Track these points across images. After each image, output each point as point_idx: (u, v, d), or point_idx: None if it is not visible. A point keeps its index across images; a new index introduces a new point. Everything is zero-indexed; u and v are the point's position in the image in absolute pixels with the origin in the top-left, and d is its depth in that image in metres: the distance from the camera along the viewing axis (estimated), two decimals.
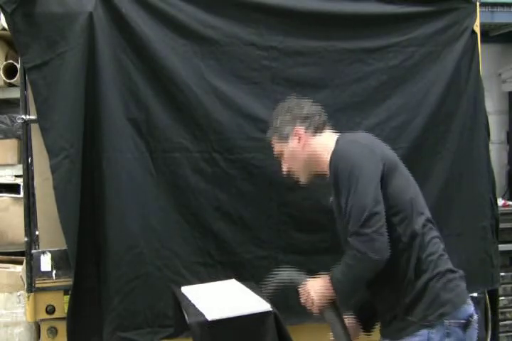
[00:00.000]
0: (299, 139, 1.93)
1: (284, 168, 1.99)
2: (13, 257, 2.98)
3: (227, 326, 1.64)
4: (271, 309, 1.69)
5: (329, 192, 1.89)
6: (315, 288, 1.81)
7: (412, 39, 2.59)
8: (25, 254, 2.36)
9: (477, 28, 2.72)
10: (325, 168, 1.88)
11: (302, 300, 1.84)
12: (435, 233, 1.85)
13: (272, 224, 2.45)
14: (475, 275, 2.75)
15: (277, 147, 1.99)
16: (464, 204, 2.72)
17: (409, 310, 1.76)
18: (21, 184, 2.72)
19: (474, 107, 2.74)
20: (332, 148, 1.85)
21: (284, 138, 1.95)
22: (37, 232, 2.33)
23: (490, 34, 4.18)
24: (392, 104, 2.55)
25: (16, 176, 3.04)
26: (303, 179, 1.99)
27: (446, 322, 1.73)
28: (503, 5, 3.80)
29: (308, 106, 1.97)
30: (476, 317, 1.80)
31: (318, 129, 1.94)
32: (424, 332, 1.72)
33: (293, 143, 1.94)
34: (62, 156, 2.20)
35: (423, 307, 1.74)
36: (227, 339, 1.68)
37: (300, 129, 1.93)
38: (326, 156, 1.86)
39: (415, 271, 1.77)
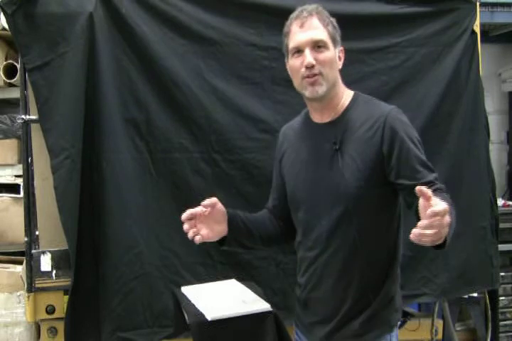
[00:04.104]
0: (339, 60, 1.72)
1: (312, 61, 1.63)
2: (13, 257, 2.98)
3: (227, 326, 1.64)
4: (271, 309, 1.69)
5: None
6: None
7: (412, 39, 2.59)
8: (25, 254, 2.36)
9: (477, 28, 2.71)
10: (330, 109, 1.72)
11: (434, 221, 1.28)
12: None
13: None
14: (475, 275, 2.76)
15: (324, 35, 1.66)
16: (464, 205, 2.71)
17: (377, 314, 1.69)
18: (21, 184, 2.72)
19: (474, 107, 2.73)
20: (344, 93, 1.73)
21: (335, 42, 1.69)
22: (37, 232, 2.33)
23: (490, 34, 4.19)
24: (392, 104, 2.53)
25: (16, 176, 3.04)
26: (323, 88, 1.66)
27: (397, 324, 1.76)
28: (503, 5, 3.80)
29: None
30: None
31: None
32: (387, 335, 1.71)
33: (336, 56, 1.70)
34: (64, 156, 2.20)
35: (389, 311, 1.71)
36: (227, 339, 1.68)
37: (343, 52, 1.74)
38: (340, 98, 1.72)
39: (395, 271, 1.74)
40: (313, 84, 1.65)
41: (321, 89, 1.65)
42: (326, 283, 1.72)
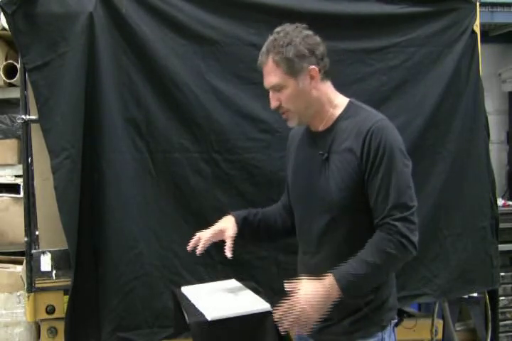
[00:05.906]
0: (311, 80, 1.71)
1: (275, 103, 1.73)
2: (13, 257, 2.99)
3: (227, 326, 1.64)
4: (271, 309, 1.69)
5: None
6: (313, 302, 1.58)
7: (412, 39, 2.59)
8: (25, 254, 2.36)
9: (477, 28, 2.72)
10: (319, 120, 1.75)
11: (290, 316, 1.58)
12: None
13: None
14: (475, 276, 2.76)
15: (277, 78, 1.70)
16: (464, 204, 2.72)
17: (369, 314, 1.72)
18: (21, 184, 2.73)
19: (474, 107, 2.74)
20: (335, 103, 1.75)
21: (294, 72, 1.69)
22: (37, 232, 2.33)
23: (490, 34, 4.19)
24: (393, 104, 2.55)
25: (16, 176, 3.04)
26: (294, 121, 1.76)
27: (391, 322, 1.79)
28: (503, 5, 3.81)
29: (322, 44, 1.74)
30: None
31: (326, 74, 1.75)
32: (379, 333, 1.74)
33: (303, 83, 1.70)
34: (64, 156, 2.20)
35: (382, 312, 1.74)
36: (227, 339, 1.68)
37: (315, 69, 1.70)
38: (328, 109, 1.74)
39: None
40: (286, 119, 1.78)
41: (294, 122, 1.77)
42: None
